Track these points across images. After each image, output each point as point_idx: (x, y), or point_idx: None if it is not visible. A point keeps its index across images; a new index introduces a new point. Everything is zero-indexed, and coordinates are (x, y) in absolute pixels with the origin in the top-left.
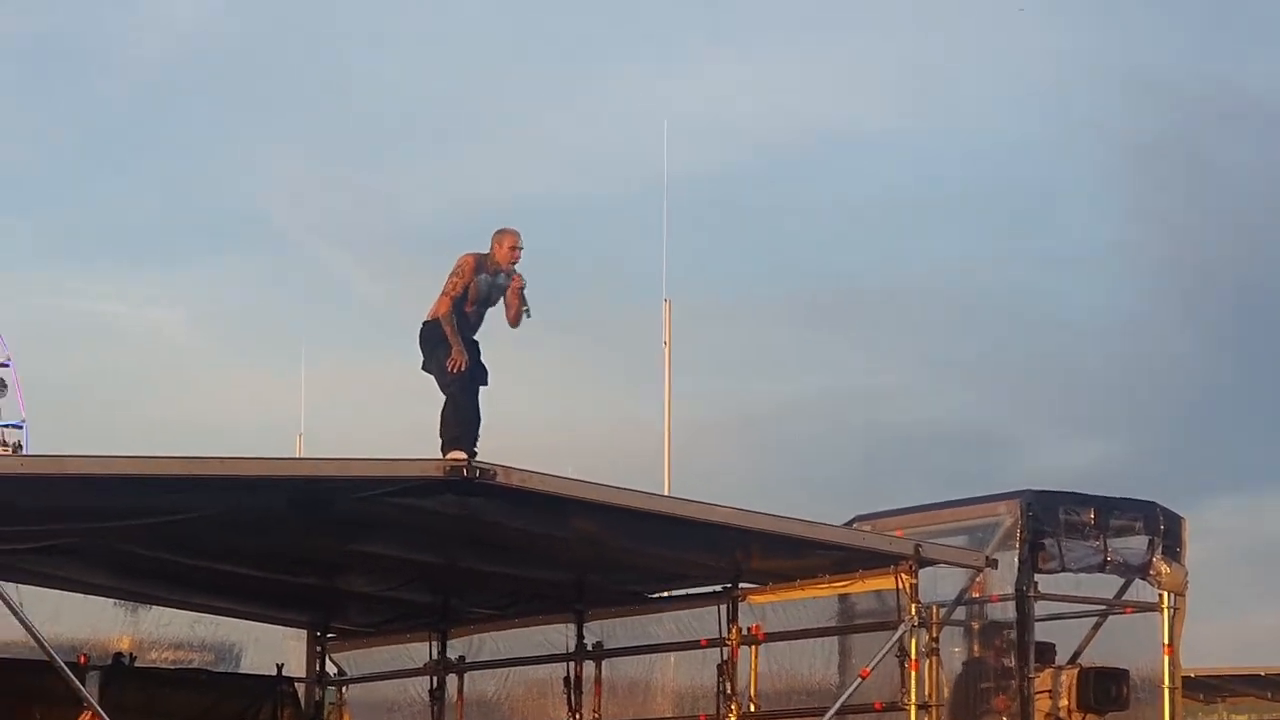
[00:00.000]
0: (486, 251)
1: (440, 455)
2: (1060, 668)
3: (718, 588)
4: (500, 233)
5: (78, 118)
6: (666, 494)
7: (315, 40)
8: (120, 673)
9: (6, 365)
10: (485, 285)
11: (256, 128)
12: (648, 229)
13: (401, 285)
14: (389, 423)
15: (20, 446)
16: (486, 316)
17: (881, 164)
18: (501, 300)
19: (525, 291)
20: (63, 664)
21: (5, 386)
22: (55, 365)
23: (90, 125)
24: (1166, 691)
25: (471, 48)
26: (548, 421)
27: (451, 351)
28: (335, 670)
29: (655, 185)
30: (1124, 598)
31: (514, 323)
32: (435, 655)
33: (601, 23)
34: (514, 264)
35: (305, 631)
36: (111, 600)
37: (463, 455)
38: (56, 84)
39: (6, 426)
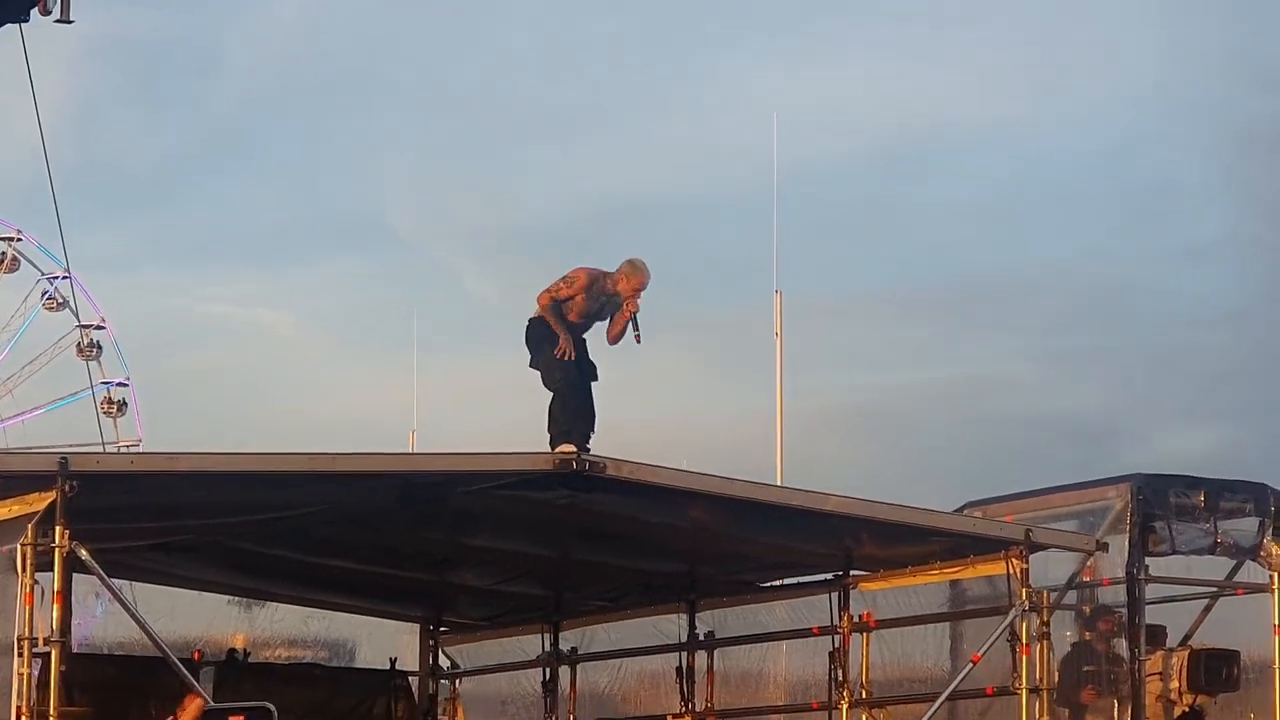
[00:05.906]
0: (610, 272)
1: (550, 449)
2: (1171, 650)
3: (829, 576)
4: (632, 266)
5: (188, 120)
6: (779, 484)
7: (428, 43)
8: (234, 669)
9: (103, 328)
10: (596, 304)
11: (369, 130)
12: (758, 223)
13: (513, 284)
14: (502, 419)
15: (125, 404)
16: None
17: (995, 158)
18: (610, 318)
19: (638, 317)
20: (177, 660)
21: (100, 348)
22: (168, 364)
23: (201, 128)
24: (1278, 673)
25: (582, 47)
26: (663, 415)
27: (558, 344)
28: (448, 664)
29: (766, 179)
30: (1235, 579)
31: (613, 341)
32: (547, 647)
33: (712, 18)
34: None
35: (418, 626)
36: (225, 597)
37: (573, 448)
38: (167, 87)
39: (114, 385)
